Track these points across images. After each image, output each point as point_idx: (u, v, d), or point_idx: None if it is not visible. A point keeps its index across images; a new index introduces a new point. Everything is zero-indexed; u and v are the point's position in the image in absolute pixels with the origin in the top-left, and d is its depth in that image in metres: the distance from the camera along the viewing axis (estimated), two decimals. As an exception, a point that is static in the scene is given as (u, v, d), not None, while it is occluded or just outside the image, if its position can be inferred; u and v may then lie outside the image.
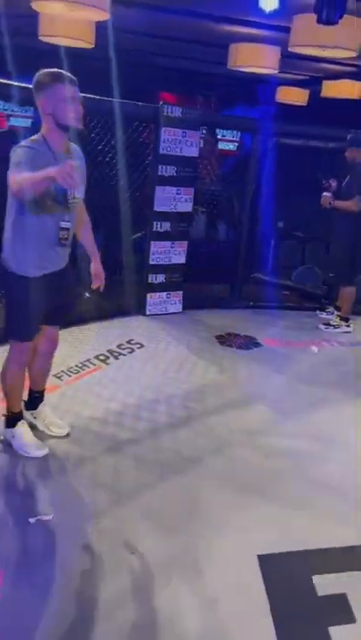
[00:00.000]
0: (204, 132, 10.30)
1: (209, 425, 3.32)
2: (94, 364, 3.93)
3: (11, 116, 8.02)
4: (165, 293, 5.26)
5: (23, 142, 2.48)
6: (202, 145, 10.40)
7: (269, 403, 3.68)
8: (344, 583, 2.12)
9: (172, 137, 4.92)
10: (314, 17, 4.57)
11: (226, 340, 4.78)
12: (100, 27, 6.08)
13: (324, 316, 5.43)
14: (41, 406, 2.99)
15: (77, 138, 2.88)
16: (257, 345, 4.73)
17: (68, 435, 2.95)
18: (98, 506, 2.47)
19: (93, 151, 4.97)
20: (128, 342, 4.42)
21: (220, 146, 13.64)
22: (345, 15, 5.24)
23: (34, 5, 4.87)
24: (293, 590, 2.08)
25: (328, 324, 5.22)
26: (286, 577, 2.14)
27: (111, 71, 6.06)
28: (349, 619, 1.96)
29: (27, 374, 2.85)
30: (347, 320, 5.19)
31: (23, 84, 3.73)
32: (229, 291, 6.02)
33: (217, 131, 12.94)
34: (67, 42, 6.05)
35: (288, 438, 3.23)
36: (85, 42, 6.03)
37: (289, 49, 6.49)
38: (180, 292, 5.32)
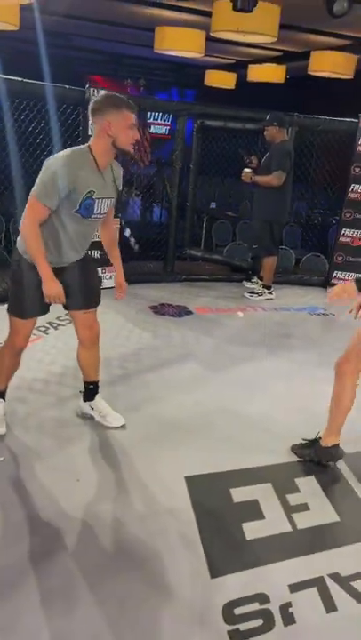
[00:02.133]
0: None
1: (145, 380, 3.64)
2: (35, 335, 4.16)
3: None
4: (101, 269, 5.50)
5: (64, 153, 2.53)
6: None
7: (200, 361, 4.04)
8: (256, 492, 2.52)
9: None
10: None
11: (159, 309, 5.12)
12: (26, 9, 6.17)
13: (249, 285, 5.87)
14: (97, 397, 3.07)
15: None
16: (189, 313, 5.09)
17: (124, 425, 3.01)
18: (44, 450, 2.76)
19: (24, 134, 5.13)
20: (66, 314, 4.64)
21: (153, 130, 13.88)
22: (261, 2, 5.63)
23: None
24: (214, 500, 2.46)
25: (253, 292, 5.65)
26: (208, 491, 2.52)
27: (40, 54, 6.16)
28: (260, 516, 2.37)
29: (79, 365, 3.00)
30: (269, 288, 5.64)
31: None
32: (163, 266, 6.34)
33: (148, 114, 13.16)
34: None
35: (216, 388, 3.61)
36: (10, 24, 6.09)
37: (211, 33, 6.81)
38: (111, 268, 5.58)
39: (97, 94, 5.08)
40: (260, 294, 5.62)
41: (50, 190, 2.46)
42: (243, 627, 1.86)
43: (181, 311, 5.11)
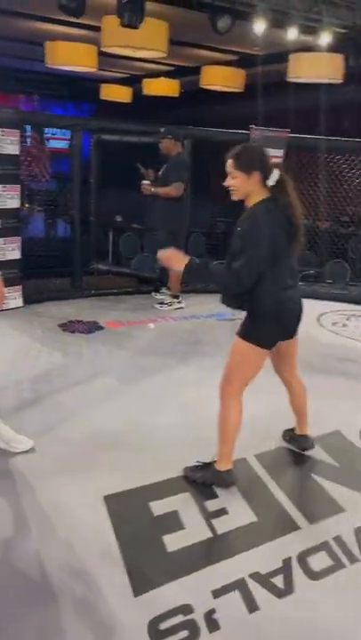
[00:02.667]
0: (29, 131, 10.27)
1: (56, 401, 3.54)
2: None
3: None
4: (7, 289, 5.33)
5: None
6: (30, 144, 10.38)
7: (112, 376, 4.00)
8: (175, 503, 2.53)
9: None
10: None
11: (69, 327, 5.02)
12: None
13: (158, 296, 5.92)
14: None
15: None
16: (99, 328, 5.04)
17: (33, 449, 2.90)
18: None
19: None
20: None
21: (52, 144, 13.66)
22: (149, 18, 5.73)
23: None
24: (134, 517, 2.44)
25: (162, 303, 5.71)
26: (128, 508, 2.49)
27: None
28: (180, 527, 2.38)
29: None
30: (177, 297, 5.72)
31: None
32: (70, 282, 6.25)
33: (46, 130, 12.94)
34: None
35: (128, 402, 3.58)
36: None
37: (101, 48, 6.84)
38: (20, 287, 5.43)
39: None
40: (169, 304, 5.68)
41: None
42: (169, 640, 1.85)
43: (92, 327, 5.05)
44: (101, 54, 7.69)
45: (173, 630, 1.89)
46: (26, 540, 2.29)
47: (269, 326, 2.57)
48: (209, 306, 5.88)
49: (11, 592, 2.02)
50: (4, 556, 2.20)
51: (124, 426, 3.25)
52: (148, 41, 6.21)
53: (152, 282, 6.38)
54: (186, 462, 2.82)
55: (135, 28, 4.86)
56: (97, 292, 6.18)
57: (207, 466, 2.71)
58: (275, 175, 2.49)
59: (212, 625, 1.92)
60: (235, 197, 2.56)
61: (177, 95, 10.76)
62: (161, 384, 3.88)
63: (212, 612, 1.97)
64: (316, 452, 3.03)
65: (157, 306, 5.69)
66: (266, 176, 2.49)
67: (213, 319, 5.48)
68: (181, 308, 5.68)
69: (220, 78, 9.10)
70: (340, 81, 7.43)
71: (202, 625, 1.92)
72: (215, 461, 2.69)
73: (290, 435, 3.10)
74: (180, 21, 6.63)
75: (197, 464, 2.75)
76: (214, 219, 10.50)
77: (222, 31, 6.05)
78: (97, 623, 1.92)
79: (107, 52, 6.93)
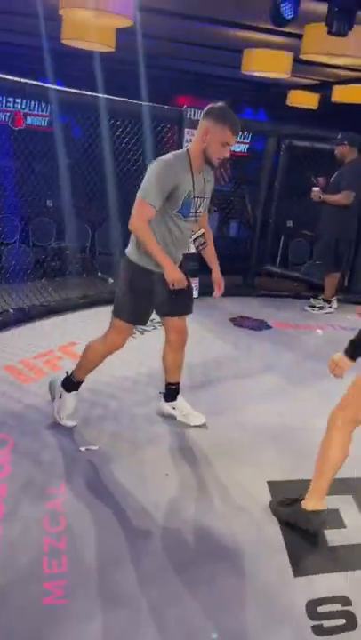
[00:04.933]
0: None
1: (226, 388, 3.78)
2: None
3: (27, 114, 8.17)
4: (188, 280, 5.72)
5: (166, 156, 2.75)
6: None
7: (281, 374, 4.13)
8: (338, 502, 2.56)
9: (190, 137, 5.39)
10: (324, 26, 5.00)
11: (239, 322, 5.25)
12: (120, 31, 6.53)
13: (312, 300, 5.91)
14: (179, 398, 3.22)
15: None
16: (268, 327, 5.20)
17: (205, 424, 3.16)
18: (136, 443, 2.95)
19: (123, 148, 5.44)
20: (151, 321, 4.88)
21: (232, 148, 14.11)
22: (355, 25, 5.71)
23: (61, 11, 5.30)
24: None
25: (313, 306, 5.75)
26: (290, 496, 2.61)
27: (139, 74, 6.50)
28: (341, 525, 2.45)
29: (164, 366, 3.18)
30: (329, 302, 5.72)
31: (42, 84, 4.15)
32: (242, 281, 6.49)
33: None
34: (87, 45, 6.45)
35: (298, 401, 3.68)
36: (106, 45, 6.43)
37: (300, 56, 6.95)
38: (197, 279, 5.79)
39: (192, 114, 5.36)
40: (320, 308, 5.66)
41: (155, 190, 2.66)
42: (326, 623, 1.94)
43: (261, 325, 5.22)
44: (295, 61, 7.81)
45: (331, 615, 1.97)
46: (194, 506, 2.52)
47: None
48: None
49: (180, 550, 2.25)
50: (173, 516, 2.44)
51: (291, 421, 3.36)
52: (350, 48, 6.19)
53: (321, 289, 6.37)
54: (355, 466, 2.84)
55: (343, 36, 4.89)
56: (267, 292, 6.33)
57: (292, 503, 2.44)
58: None
59: (369, 621, 1.96)
60: None
61: (366, 102, 10.48)
62: (329, 388, 3.87)
63: (370, 609, 2.01)
64: None
65: (308, 308, 5.75)
66: None
67: (385, 333, 5.31)
68: (331, 312, 5.67)
69: None
70: None
71: (359, 618, 1.97)
72: (302, 499, 2.40)
73: None
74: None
75: (284, 499, 2.51)
76: None
77: None
78: (257, 591, 2.07)
79: (301, 59, 7.03)
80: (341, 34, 4.84)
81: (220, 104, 2.77)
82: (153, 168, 2.73)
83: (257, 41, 8.77)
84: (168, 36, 8.82)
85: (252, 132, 6.55)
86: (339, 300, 5.85)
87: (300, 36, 6.63)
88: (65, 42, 6.45)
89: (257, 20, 6.04)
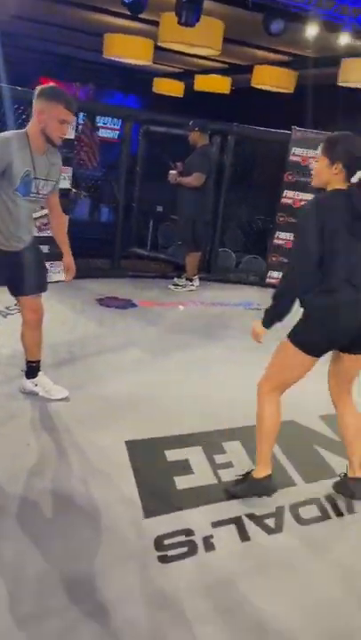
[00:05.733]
0: (83, 119, 10.65)
1: (89, 363, 3.92)
2: (-15, 322, 4.38)
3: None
4: (49, 263, 5.73)
5: (4, 133, 2.79)
6: (82, 131, 10.77)
7: (143, 348, 4.35)
8: (188, 454, 2.86)
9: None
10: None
11: (105, 302, 5.40)
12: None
13: (175, 280, 6.25)
14: (40, 374, 3.31)
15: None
16: (133, 305, 5.40)
17: (67, 398, 3.28)
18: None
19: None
20: (15, 305, 4.86)
21: (102, 133, 14.11)
22: (206, 17, 6.02)
23: None
24: (150, 459, 2.80)
25: (176, 285, 6.09)
26: (145, 452, 2.84)
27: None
28: (190, 472, 2.73)
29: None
30: (191, 280, 6.09)
31: None
32: (110, 263, 6.64)
33: (97, 118, 13.38)
34: None
35: (157, 371, 3.92)
36: None
37: (158, 44, 7.18)
38: (61, 262, 5.81)
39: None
40: (183, 286, 6.04)
41: None
42: (170, 552, 2.19)
43: (126, 304, 5.41)
44: (157, 48, 8.03)
45: (175, 546, 2.23)
46: (54, 470, 2.65)
47: (314, 331, 2.38)
48: (239, 295, 6.19)
49: (40, 510, 2.38)
50: (34, 480, 2.56)
51: (149, 389, 3.59)
52: (203, 39, 6.52)
53: (184, 268, 6.72)
54: (204, 422, 3.14)
55: (192, 26, 5.16)
56: (134, 273, 6.54)
57: (245, 477, 2.61)
58: (359, 174, 2.31)
59: (209, 546, 2.25)
60: (313, 183, 2.45)
61: (228, 92, 11.03)
62: (187, 357, 4.21)
63: (209, 537, 2.30)
64: (321, 427, 3.30)
65: (172, 287, 6.07)
66: (351, 172, 2.31)
67: (241, 307, 5.77)
68: (193, 289, 6.03)
69: (271, 78, 9.33)
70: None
71: (200, 545, 2.25)
72: (253, 470, 2.59)
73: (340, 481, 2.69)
74: (235, 20, 6.90)
75: (237, 477, 2.65)
76: (254, 215, 10.78)
77: (275, 33, 6.30)
78: (111, 534, 2.26)
79: (163, 46, 7.26)
80: (189, 24, 5.11)
81: (49, 84, 2.87)
82: None
83: (119, 27, 8.87)
84: (28, 16, 8.62)
85: (106, 116, 6.63)
86: (201, 279, 6.22)
87: (158, 24, 6.84)
88: None
89: (116, 4, 6.13)
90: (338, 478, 2.71)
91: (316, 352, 2.41)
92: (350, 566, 2.27)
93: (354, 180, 2.31)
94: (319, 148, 2.40)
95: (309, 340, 2.39)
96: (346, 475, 2.66)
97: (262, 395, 2.51)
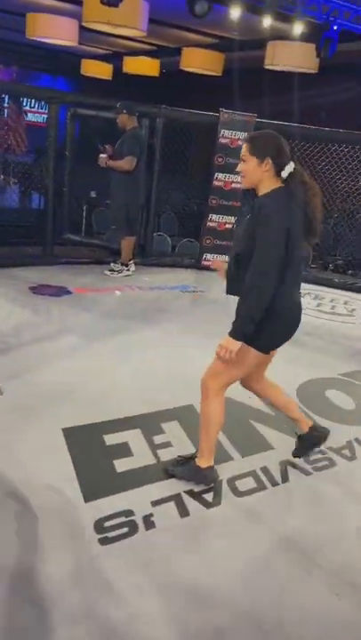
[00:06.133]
0: (8, 102, 10.28)
1: (24, 352, 3.84)
2: None
3: None
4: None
5: None
6: (7, 115, 10.40)
7: (78, 334, 4.30)
8: (127, 436, 2.87)
9: None
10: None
11: (39, 290, 5.29)
12: None
13: (111, 265, 6.21)
14: None
15: None
16: (68, 292, 5.32)
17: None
18: None
19: None
20: None
21: (30, 118, 13.68)
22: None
23: None
24: (88, 445, 2.78)
25: (112, 270, 6.05)
26: (83, 438, 2.83)
27: None
28: (129, 454, 2.74)
29: None
30: (127, 265, 6.06)
31: None
32: (42, 250, 6.49)
33: (25, 103, 12.97)
34: None
35: (92, 357, 3.90)
36: None
37: (82, 24, 7.00)
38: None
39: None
40: (118, 271, 6.01)
41: None
42: (111, 534, 2.21)
43: (60, 291, 5.32)
44: (83, 29, 7.84)
45: (115, 527, 2.25)
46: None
47: (279, 333, 2.41)
48: (175, 279, 6.22)
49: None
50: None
51: (85, 375, 3.57)
52: (128, 19, 6.41)
53: (119, 253, 6.67)
54: (142, 405, 3.16)
55: (115, 6, 5.07)
56: (68, 260, 6.43)
57: (188, 461, 2.63)
58: (289, 167, 2.31)
59: (149, 525, 2.28)
60: (244, 184, 2.40)
61: (157, 75, 10.94)
62: (123, 342, 4.20)
63: (150, 515, 2.33)
64: (258, 403, 3.39)
65: (108, 272, 6.03)
66: (280, 166, 2.30)
67: (177, 290, 5.81)
68: (130, 274, 6.01)
69: (200, 61, 9.34)
70: (315, 71, 7.75)
71: (140, 524, 2.28)
72: (196, 457, 2.60)
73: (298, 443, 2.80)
74: (160, 1, 6.84)
75: (178, 459, 2.67)
76: (188, 199, 10.82)
77: (200, 14, 6.30)
78: (52, 520, 2.25)
79: (88, 27, 7.10)
80: (112, 4, 5.01)
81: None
82: None
83: (43, 6, 8.58)
84: None
85: (29, 97, 6.44)
86: (136, 263, 6.20)
87: (82, 3, 6.66)
88: None
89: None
90: (273, 450, 2.82)
91: (268, 350, 2.48)
92: (284, 532, 2.37)
93: (284, 174, 2.31)
94: (243, 149, 2.35)
95: (274, 344, 2.46)
96: (300, 435, 2.78)
97: (210, 394, 2.47)
